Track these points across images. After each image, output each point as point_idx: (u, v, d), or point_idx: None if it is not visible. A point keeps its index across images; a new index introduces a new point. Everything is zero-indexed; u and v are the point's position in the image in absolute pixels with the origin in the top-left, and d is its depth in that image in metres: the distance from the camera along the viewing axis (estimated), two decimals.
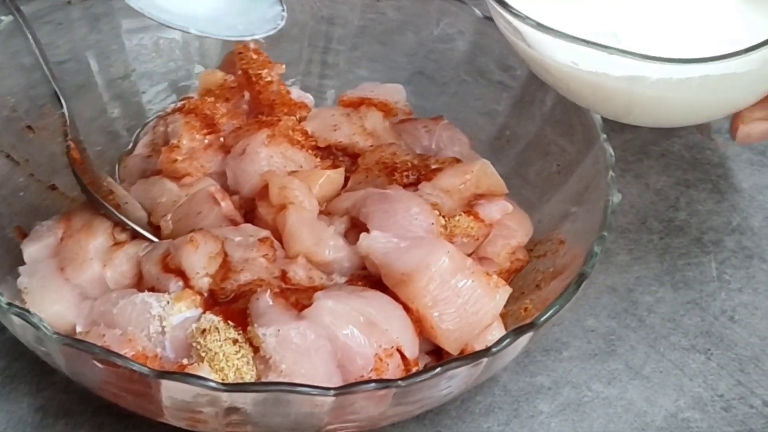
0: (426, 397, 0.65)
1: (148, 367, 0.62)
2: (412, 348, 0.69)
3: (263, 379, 0.66)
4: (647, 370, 0.77)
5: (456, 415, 0.73)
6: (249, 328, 0.67)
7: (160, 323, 0.68)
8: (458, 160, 0.78)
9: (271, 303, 0.67)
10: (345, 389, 0.62)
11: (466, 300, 0.70)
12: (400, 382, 0.62)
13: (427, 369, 0.63)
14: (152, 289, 0.71)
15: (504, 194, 0.77)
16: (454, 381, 0.65)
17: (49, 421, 0.72)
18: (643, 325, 0.79)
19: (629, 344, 0.78)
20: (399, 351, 0.68)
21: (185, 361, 0.67)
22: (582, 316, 0.79)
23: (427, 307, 0.69)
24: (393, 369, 0.67)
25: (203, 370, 0.66)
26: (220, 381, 0.64)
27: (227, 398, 0.61)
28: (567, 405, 0.75)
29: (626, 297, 0.80)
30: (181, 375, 0.62)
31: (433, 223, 0.73)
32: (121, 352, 0.65)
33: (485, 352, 0.64)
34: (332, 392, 0.61)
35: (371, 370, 0.66)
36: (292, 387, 0.61)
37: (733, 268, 0.82)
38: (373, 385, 0.62)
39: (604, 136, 0.75)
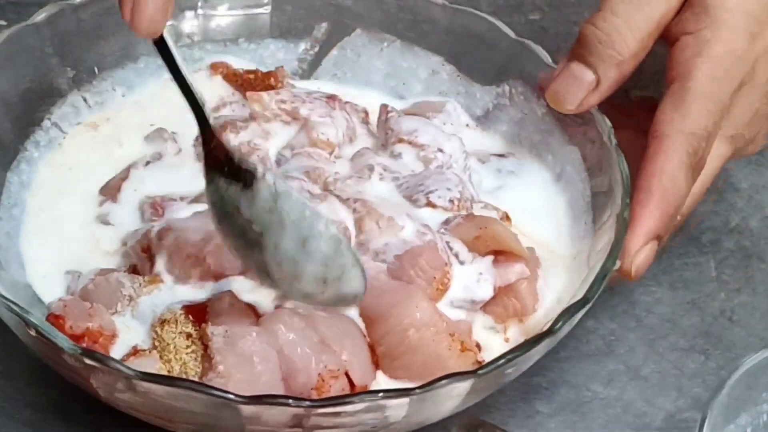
0: (354, 422, 0.64)
1: (81, 347, 0.63)
2: (361, 374, 0.68)
3: (204, 378, 0.66)
4: (646, 371, 0.77)
5: (453, 415, 0.73)
6: (203, 325, 0.67)
7: (129, 302, 0.69)
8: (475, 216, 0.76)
9: (232, 304, 0.68)
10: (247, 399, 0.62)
11: (422, 360, 0.68)
12: (307, 403, 0.62)
13: (339, 396, 0.63)
14: (134, 269, 0.72)
15: (524, 257, 0.74)
16: (390, 411, 0.64)
17: (48, 421, 0.72)
18: (641, 325, 0.79)
19: (628, 345, 0.78)
20: (347, 375, 0.67)
21: (138, 345, 0.68)
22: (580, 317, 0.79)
23: (382, 353, 0.69)
24: (336, 391, 0.66)
25: (151, 358, 0.66)
26: (167, 372, 0.65)
27: (145, 387, 0.62)
28: (565, 405, 0.75)
29: (625, 297, 0.80)
30: (102, 357, 0.63)
31: (435, 277, 0.72)
32: (82, 325, 0.66)
33: (411, 390, 0.63)
34: (233, 397, 0.61)
35: (312, 389, 0.66)
36: (200, 387, 0.62)
37: (732, 268, 0.82)
38: (280, 401, 0.62)
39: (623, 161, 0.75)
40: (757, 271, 0.82)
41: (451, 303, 0.72)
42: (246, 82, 0.84)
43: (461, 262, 0.72)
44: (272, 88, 0.82)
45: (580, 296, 0.69)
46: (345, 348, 0.68)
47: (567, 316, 0.67)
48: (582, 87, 0.76)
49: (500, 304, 0.73)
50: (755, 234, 0.85)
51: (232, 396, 0.61)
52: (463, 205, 0.75)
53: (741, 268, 0.82)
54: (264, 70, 0.84)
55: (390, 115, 0.80)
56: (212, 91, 0.83)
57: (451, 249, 0.72)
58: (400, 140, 0.78)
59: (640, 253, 0.72)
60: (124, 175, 0.78)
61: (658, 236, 0.73)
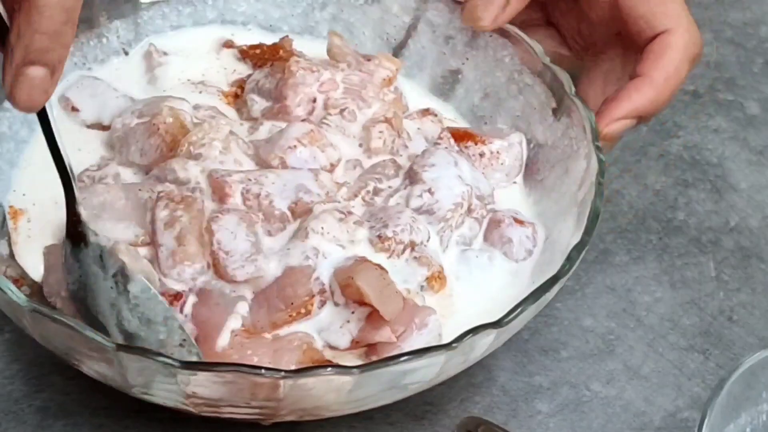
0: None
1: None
2: None
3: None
4: (645, 370, 0.77)
5: (455, 414, 0.74)
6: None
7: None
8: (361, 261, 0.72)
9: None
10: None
11: None
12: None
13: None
14: None
15: (389, 321, 0.70)
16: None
17: (49, 422, 0.72)
18: (641, 324, 0.79)
19: (628, 344, 0.78)
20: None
21: None
22: (580, 316, 0.79)
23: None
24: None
25: None
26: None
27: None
28: (565, 405, 0.75)
29: (625, 297, 0.81)
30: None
31: (292, 303, 0.69)
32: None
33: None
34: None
35: None
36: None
37: (732, 267, 0.82)
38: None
39: (598, 144, 0.75)
40: (756, 271, 0.82)
41: (318, 331, 0.70)
42: (254, 57, 0.83)
43: (336, 303, 0.70)
44: (283, 59, 0.80)
45: (576, 241, 0.70)
46: None
47: (571, 261, 0.69)
48: (495, 6, 0.79)
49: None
50: (755, 234, 0.85)
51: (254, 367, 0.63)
52: (392, 247, 0.72)
53: (741, 267, 0.82)
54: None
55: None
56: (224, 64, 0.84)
57: (331, 285, 0.70)
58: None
59: (617, 122, 0.76)
60: None
61: (640, 116, 0.76)
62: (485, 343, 0.67)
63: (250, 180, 0.73)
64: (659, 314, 0.80)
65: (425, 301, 0.72)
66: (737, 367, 0.65)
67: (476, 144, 0.79)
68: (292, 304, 0.69)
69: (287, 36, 0.82)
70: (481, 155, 0.79)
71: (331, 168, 0.75)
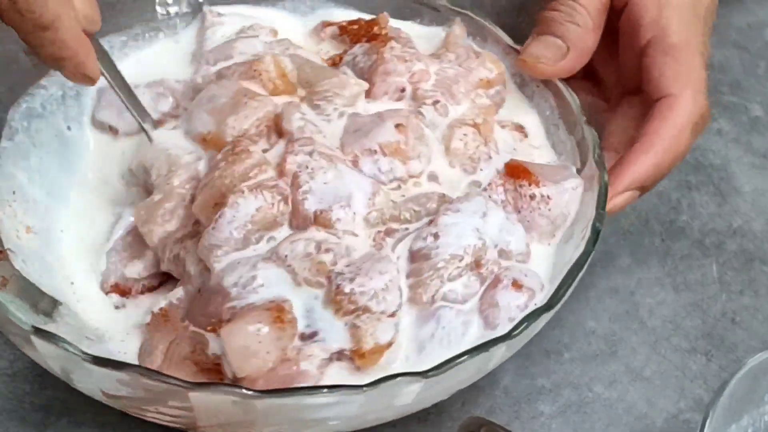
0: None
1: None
2: None
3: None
4: (648, 372, 0.77)
5: (458, 416, 0.74)
6: None
7: None
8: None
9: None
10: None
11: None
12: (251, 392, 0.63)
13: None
14: None
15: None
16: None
17: (51, 420, 0.72)
18: (644, 327, 0.79)
19: (630, 346, 0.78)
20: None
21: None
22: (583, 318, 0.79)
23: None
24: None
25: None
26: None
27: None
28: (568, 406, 0.75)
29: (627, 299, 0.81)
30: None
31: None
32: None
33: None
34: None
35: None
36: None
37: (735, 270, 0.83)
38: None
39: (602, 211, 0.72)
40: (759, 274, 0.82)
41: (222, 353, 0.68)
42: (350, 33, 0.82)
43: None
44: (377, 36, 0.80)
45: (542, 304, 0.68)
46: None
47: (529, 321, 0.66)
48: (555, 51, 0.78)
49: None
50: (758, 237, 0.85)
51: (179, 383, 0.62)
52: (343, 304, 0.67)
53: (743, 270, 0.83)
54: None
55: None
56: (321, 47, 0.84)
57: None
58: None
59: (620, 196, 0.74)
60: None
61: (642, 186, 0.75)
62: (411, 391, 0.64)
63: (306, 167, 0.70)
64: (662, 316, 0.80)
65: (326, 370, 0.67)
66: (739, 369, 0.65)
67: (530, 185, 0.74)
68: (204, 317, 0.68)
69: (384, 13, 0.82)
70: (532, 197, 0.73)
71: (409, 178, 0.73)
